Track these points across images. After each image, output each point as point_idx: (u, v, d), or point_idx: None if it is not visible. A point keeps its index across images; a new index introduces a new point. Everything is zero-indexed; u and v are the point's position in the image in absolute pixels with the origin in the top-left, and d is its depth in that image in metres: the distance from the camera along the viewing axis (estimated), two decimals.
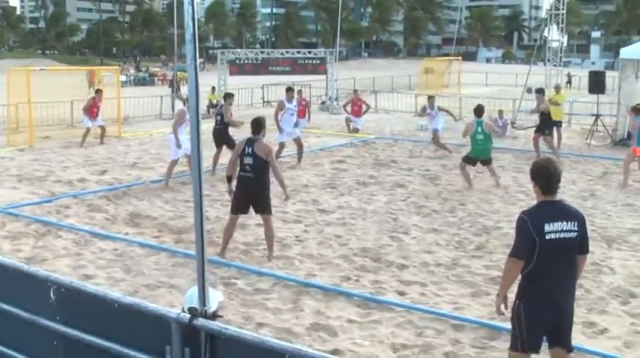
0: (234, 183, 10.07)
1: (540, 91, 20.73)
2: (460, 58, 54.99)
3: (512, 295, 5.67)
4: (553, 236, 5.35)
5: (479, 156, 15.14)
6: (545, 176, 5.53)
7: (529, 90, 21.53)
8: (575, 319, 7.06)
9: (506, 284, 5.66)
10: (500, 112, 24.43)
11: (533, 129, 20.07)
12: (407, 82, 49.01)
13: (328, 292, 8.57)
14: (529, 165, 5.89)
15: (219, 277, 8.92)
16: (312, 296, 8.44)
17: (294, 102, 18.50)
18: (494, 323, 7.43)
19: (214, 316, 4.02)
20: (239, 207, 9.98)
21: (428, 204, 13.45)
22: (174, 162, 14.93)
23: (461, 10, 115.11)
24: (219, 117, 16.37)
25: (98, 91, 22.14)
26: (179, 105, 31.03)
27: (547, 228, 5.34)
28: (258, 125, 9.92)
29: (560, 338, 5.63)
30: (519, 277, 5.56)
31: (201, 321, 3.88)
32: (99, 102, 21.55)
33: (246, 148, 9.78)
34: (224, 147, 15.91)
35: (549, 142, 19.09)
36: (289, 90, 18.72)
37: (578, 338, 7.08)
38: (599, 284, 8.92)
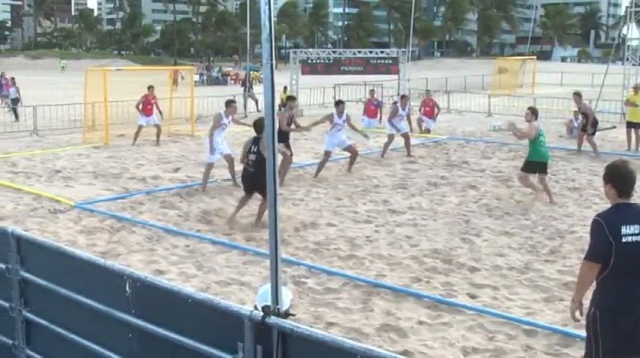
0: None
1: (578, 94, 20.78)
2: (534, 57, 53.99)
3: (586, 301, 5.52)
4: (630, 239, 5.18)
5: (545, 158, 13.69)
6: (622, 177, 5.37)
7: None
8: None
9: (581, 289, 5.49)
10: (576, 113, 23.80)
11: (610, 129, 19.57)
12: (480, 81, 48.37)
13: (398, 293, 8.52)
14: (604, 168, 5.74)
15: (290, 276, 8.95)
16: (382, 296, 8.41)
17: (344, 117, 16.58)
18: (568, 330, 7.26)
19: (286, 315, 4.03)
20: (246, 190, 11.97)
21: (500, 206, 13.24)
22: (211, 166, 14.75)
23: (536, 8, 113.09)
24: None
25: (150, 88, 22.05)
26: (251, 104, 31.48)
27: (624, 230, 5.18)
28: (261, 126, 11.17)
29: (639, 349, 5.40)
30: (594, 283, 5.40)
31: (273, 319, 3.88)
32: (152, 99, 21.61)
33: (252, 147, 11.53)
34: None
35: (590, 141, 19.51)
36: (339, 104, 17.22)
37: None
38: None
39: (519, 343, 7.14)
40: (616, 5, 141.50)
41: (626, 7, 32.00)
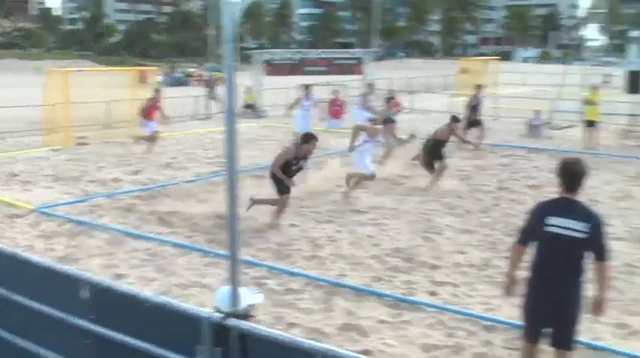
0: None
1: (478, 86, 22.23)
2: (499, 57, 54.35)
3: None
4: (554, 229, 5.45)
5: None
6: (570, 174, 5.60)
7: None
8: (606, 320, 7.06)
9: (510, 267, 5.91)
10: (537, 112, 24.15)
11: (568, 128, 19.81)
12: (443, 82, 48.65)
13: (360, 292, 8.56)
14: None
15: (251, 277, 8.94)
16: (343, 296, 8.43)
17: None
18: None
19: (246, 316, 4.03)
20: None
21: (461, 204, 13.36)
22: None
23: (497, 9, 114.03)
24: None
25: (157, 91, 20.38)
26: (214, 105, 31.29)
27: (551, 220, 5.47)
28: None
29: (558, 337, 5.67)
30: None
31: (232, 321, 3.88)
32: (158, 102, 19.87)
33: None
34: None
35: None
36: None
37: (608, 339, 7.09)
38: (632, 285, 8.81)
39: (479, 338, 7.22)
40: (574, 7, 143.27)
41: (587, 9, 32.51)
